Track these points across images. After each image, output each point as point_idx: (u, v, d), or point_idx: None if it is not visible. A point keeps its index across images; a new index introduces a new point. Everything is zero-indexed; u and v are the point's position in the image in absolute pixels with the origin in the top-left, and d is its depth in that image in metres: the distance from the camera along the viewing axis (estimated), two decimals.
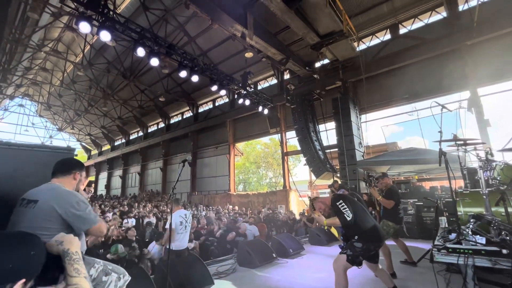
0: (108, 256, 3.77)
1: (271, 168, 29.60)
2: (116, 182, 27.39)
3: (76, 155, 2.73)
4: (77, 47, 16.14)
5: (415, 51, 9.26)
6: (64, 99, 21.00)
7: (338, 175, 9.94)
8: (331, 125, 10.93)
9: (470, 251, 2.21)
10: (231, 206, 12.82)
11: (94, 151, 32.44)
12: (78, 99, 21.36)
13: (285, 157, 13.57)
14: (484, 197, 2.61)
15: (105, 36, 6.27)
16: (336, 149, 10.20)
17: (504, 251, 2.11)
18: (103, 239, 4.43)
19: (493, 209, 2.62)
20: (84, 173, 2.07)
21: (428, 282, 3.40)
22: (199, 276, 3.35)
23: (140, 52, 6.99)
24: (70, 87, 18.28)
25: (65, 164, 1.95)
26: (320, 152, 10.32)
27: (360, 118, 10.58)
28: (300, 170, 26.50)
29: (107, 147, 30.07)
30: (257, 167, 30.68)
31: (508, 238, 2.32)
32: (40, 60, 18.07)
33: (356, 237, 2.65)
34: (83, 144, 32.20)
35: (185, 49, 10.09)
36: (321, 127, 11.36)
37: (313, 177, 12.91)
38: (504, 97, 8.65)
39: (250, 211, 11.35)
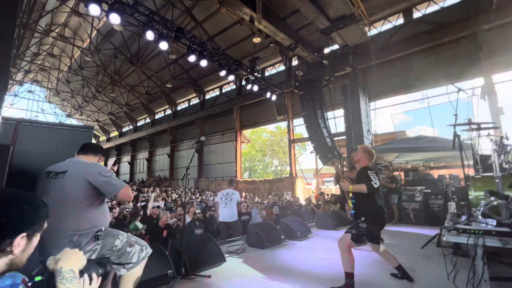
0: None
1: (277, 156, 29.70)
2: (125, 168, 27.95)
3: (94, 131, 2.87)
4: (83, 32, 16.11)
5: (428, 36, 8.98)
6: (72, 85, 21.18)
7: (345, 162, 9.95)
8: (340, 112, 10.84)
9: (481, 232, 2.24)
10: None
11: (103, 137, 32.95)
12: (86, 85, 21.52)
13: (292, 144, 13.59)
14: (497, 180, 2.61)
15: (115, 18, 6.24)
16: (344, 137, 10.16)
17: None
18: (120, 217, 4.60)
19: (506, 192, 2.63)
20: (103, 159, 2.28)
21: (435, 265, 3.47)
22: (212, 253, 3.49)
23: (149, 35, 6.96)
24: (78, 73, 18.40)
25: (94, 147, 2.19)
26: (328, 139, 10.29)
27: (369, 106, 10.45)
28: (305, 158, 26.58)
29: (115, 133, 30.49)
30: (263, 155, 30.81)
31: None
32: (47, 46, 18.13)
33: (363, 218, 2.76)
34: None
35: (193, 33, 9.98)
36: (329, 114, 11.27)
37: (319, 165, 12.95)
38: None
39: (258, 198, 11.52)
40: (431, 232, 5.10)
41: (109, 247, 1.90)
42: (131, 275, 1.98)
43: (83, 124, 29.97)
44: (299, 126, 13.76)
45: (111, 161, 30.44)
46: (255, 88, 10.68)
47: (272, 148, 29.86)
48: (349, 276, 2.72)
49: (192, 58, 7.99)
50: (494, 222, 2.44)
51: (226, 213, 5.16)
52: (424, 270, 3.46)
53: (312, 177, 18.21)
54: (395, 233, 6.05)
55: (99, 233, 1.89)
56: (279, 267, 3.63)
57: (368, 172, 2.82)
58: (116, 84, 18.71)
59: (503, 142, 2.88)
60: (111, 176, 1.90)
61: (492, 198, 2.41)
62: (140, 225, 4.14)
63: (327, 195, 9.55)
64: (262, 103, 14.25)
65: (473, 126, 3.03)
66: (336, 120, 11.14)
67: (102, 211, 1.97)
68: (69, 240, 1.76)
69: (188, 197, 11.15)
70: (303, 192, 12.77)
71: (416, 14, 9.82)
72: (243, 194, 12.36)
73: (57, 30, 15.67)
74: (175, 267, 3.01)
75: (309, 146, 10.86)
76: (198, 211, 5.36)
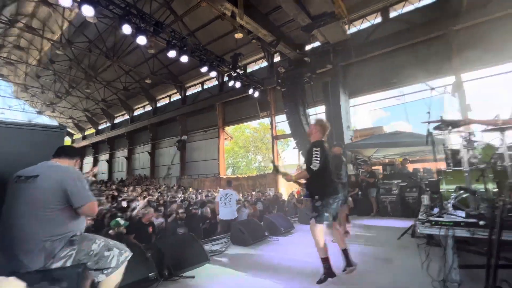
0: (111, 232, 3.84)
1: (260, 153, 29.82)
2: (102, 167, 26.84)
3: (67, 133, 2.72)
4: (54, 23, 15.11)
5: (404, 36, 9.33)
6: (42, 80, 19.91)
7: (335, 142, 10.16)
8: (321, 108, 11.04)
9: (451, 223, 2.39)
10: (221, 189, 12.94)
11: (78, 135, 31.38)
12: (58, 80, 20.28)
13: (275, 141, 13.68)
14: (466, 174, 2.78)
15: (88, 10, 5.91)
16: None
17: (481, 223, 2.30)
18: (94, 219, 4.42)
19: (473, 185, 2.81)
20: (79, 162, 2.20)
21: (410, 255, 3.65)
22: (195, 253, 3.45)
23: (126, 29, 6.67)
24: (49, 67, 17.30)
25: (69, 150, 2.12)
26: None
27: (349, 102, 10.73)
28: (288, 154, 26.88)
29: (91, 131, 29.14)
30: (246, 152, 30.81)
31: (485, 212, 2.52)
32: (13, 38, 16.85)
33: (316, 197, 2.84)
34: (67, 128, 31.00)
35: (173, 28, 9.69)
36: (311, 110, 11.45)
37: (301, 161, 13.16)
38: (485, 83, 8.97)
39: (242, 194, 11.52)
40: (407, 223, 5.35)
41: (85, 252, 1.82)
42: (110, 280, 1.91)
43: (57, 121, 28.38)
44: (282, 123, 13.87)
45: (88, 159, 29.16)
46: (238, 84, 10.61)
47: (255, 144, 29.93)
48: (324, 261, 2.79)
49: (172, 54, 7.78)
50: (463, 214, 2.61)
51: (226, 212, 5.52)
52: (400, 260, 3.65)
53: (295, 172, 18.48)
54: (374, 225, 6.31)
55: (74, 238, 1.81)
56: (262, 264, 3.66)
57: (314, 150, 2.81)
58: (91, 79, 17.82)
59: (471, 138, 3.07)
60: (84, 186, 1.84)
61: (462, 192, 2.57)
62: (122, 221, 4.02)
63: None
64: (245, 100, 14.19)
65: (446, 122, 3.19)
66: (317, 117, 11.34)
67: (77, 215, 1.88)
68: (41, 246, 1.67)
69: (170, 195, 10.94)
70: (286, 187, 12.95)
71: (393, 14, 10.15)
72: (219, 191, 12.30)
73: (23, 21, 14.59)
74: (158, 269, 2.94)
75: (292, 142, 11.02)
76: (181, 210, 5.26)
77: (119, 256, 1.94)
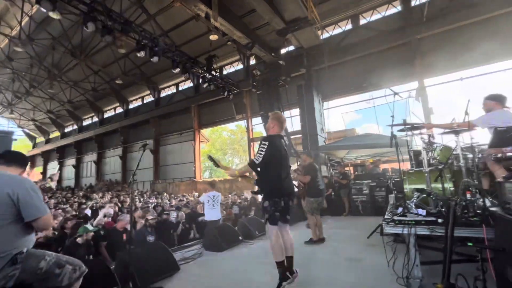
0: (79, 240, 3.58)
1: (238, 155, 29.69)
2: (69, 172, 25.14)
3: (15, 139, 2.47)
4: (12, 18, 13.96)
5: (372, 42, 9.81)
6: None
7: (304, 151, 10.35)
8: (296, 111, 11.23)
9: (413, 222, 2.50)
10: (197, 194, 12.65)
11: (40, 139, 29.13)
12: (17, 79, 18.69)
13: (251, 143, 13.68)
14: (426, 174, 2.94)
15: (47, 6, 5.49)
16: (300, 135, 10.55)
17: (440, 220, 2.43)
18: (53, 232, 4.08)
19: (433, 185, 2.98)
20: (28, 169, 2.01)
21: (378, 253, 3.78)
22: (164, 263, 3.29)
23: (91, 27, 6.29)
24: (6, 64, 15.90)
25: (19, 157, 1.92)
26: (285, 138, 10.58)
27: (322, 105, 11.03)
28: None
29: (56, 134, 27.20)
30: (224, 154, 30.51)
31: (443, 209, 2.67)
32: None
33: (262, 196, 2.69)
34: (26, 130, 28.66)
35: (144, 27, 9.34)
36: (286, 113, 11.60)
37: None
38: (446, 88, 9.68)
39: None
40: (377, 222, 5.56)
41: (31, 271, 1.64)
42: None
43: (15, 123, 26.12)
44: (259, 125, 13.92)
45: (52, 164, 27.13)
46: (212, 87, 10.47)
47: (233, 146, 29.76)
48: (279, 265, 2.62)
49: (142, 54, 7.47)
50: (424, 212, 2.75)
51: (213, 213, 5.63)
52: (369, 259, 3.76)
53: None
54: (346, 225, 6.50)
55: (18, 256, 1.62)
56: (235, 270, 3.59)
57: (262, 143, 2.63)
58: (55, 78, 16.65)
59: (431, 141, 3.25)
60: (38, 198, 1.68)
61: (418, 194, 2.70)
62: (90, 227, 3.78)
63: None
64: (221, 102, 14.05)
65: (408, 126, 3.36)
66: (292, 119, 11.52)
67: (23, 231, 1.69)
68: None
69: (143, 201, 10.47)
70: None
71: (363, 21, 10.64)
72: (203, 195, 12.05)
73: None
74: (122, 282, 2.76)
75: None
76: (150, 216, 5.03)
77: (72, 273, 1.78)
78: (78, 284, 1.82)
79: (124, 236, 4.43)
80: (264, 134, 11.29)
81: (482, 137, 3.09)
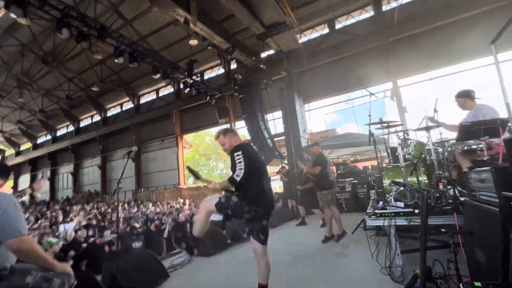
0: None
1: (221, 159, 29.49)
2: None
3: None
4: None
5: (348, 46, 10.22)
6: None
7: (286, 161, 10.53)
8: (278, 114, 11.41)
9: (392, 214, 2.66)
10: (182, 200, 12.45)
11: (10, 151, 27.34)
12: None
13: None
14: (402, 169, 3.14)
15: (17, 12, 5.26)
16: (283, 137, 10.73)
17: (416, 211, 2.61)
18: None
19: (408, 178, 3.18)
20: (6, 181, 1.91)
21: (363, 247, 3.95)
22: (152, 271, 3.25)
23: (65, 33, 6.09)
24: None
25: (3, 169, 1.84)
26: (268, 140, 10.73)
27: (303, 107, 11.29)
28: None
29: (27, 145, 25.66)
30: (207, 159, 30.21)
31: (419, 201, 2.87)
32: None
33: (236, 193, 2.35)
34: None
35: (121, 33, 9.14)
36: (269, 116, 11.76)
37: None
38: (418, 87, 10.26)
39: None
40: (360, 218, 5.79)
41: (17, 287, 1.58)
42: None
43: None
44: (242, 129, 13.97)
45: (24, 178, 25.53)
46: (194, 91, 10.41)
47: (217, 151, 29.51)
48: (194, 240, 2.52)
49: (120, 60, 7.31)
50: (402, 204, 2.93)
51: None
52: (355, 253, 3.92)
53: None
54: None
55: (2, 273, 1.56)
56: (224, 274, 3.60)
57: (235, 154, 2.30)
58: (25, 87, 15.76)
59: (405, 137, 3.47)
60: (15, 215, 1.56)
61: (395, 185, 2.88)
62: (54, 240, 3.65)
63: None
64: (203, 107, 13.97)
65: (384, 124, 3.57)
66: (275, 122, 11.70)
67: (5, 247, 1.62)
68: None
69: (126, 211, 10.14)
70: None
71: (338, 25, 11.07)
72: (187, 202, 11.89)
73: None
74: None
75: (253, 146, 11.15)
76: (137, 225, 4.92)
77: (61, 286, 1.73)
78: None
79: (107, 248, 4.31)
80: (248, 137, 11.26)
81: (450, 133, 3.36)
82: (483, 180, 1.73)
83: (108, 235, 4.67)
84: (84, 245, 4.35)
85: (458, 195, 2.63)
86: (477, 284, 1.21)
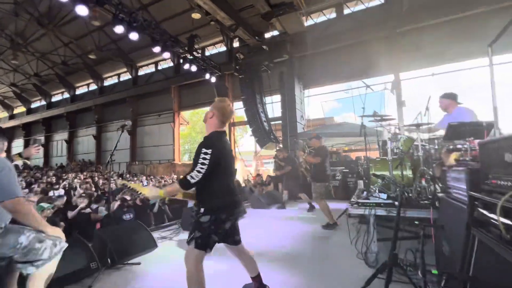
0: None
1: None
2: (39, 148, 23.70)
3: None
4: None
5: (354, 33, 9.98)
6: None
7: (281, 145, 10.64)
8: (277, 97, 11.35)
9: (374, 204, 2.80)
10: (175, 176, 12.62)
11: (3, 114, 26.94)
12: None
13: (232, 128, 13.70)
14: (389, 162, 3.24)
15: None
16: (280, 121, 10.76)
17: (396, 203, 2.74)
18: None
19: (394, 172, 3.30)
20: (6, 143, 1.92)
21: (344, 232, 4.15)
22: (142, 240, 3.40)
23: None
24: None
25: None
26: (265, 123, 10.75)
27: (303, 93, 11.23)
28: (246, 141, 27.17)
29: (21, 109, 25.28)
30: None
31: (401, 194, 3.00)
32: None
33: (202, 210, 1.95)
34: None
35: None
36: (267, 99, 11.69)
37: (258, 148, 13.51)
38: (419, 82, 10.18)
39: None
40: (347, 205, 6.00)
41: (11, 246, 1.68)
42: (42, 272, 1.81)
43: None
44: (240, 109, 13.91)
45: (18, 142, 25.40)
46: (194, 68, 10.23)
47: None
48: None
49: (119, 29, 7.09)
50: (385, 196, 3.06)
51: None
52: (335, 238, 4.13)
53: (251, 160, 18.90)
54: (317, 208, 6.92)
55: None
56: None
57: (203, 151, 1.87)
58: (19, 49, 15.26)
59: (396, 132, 3.55)
60: (7, 179, 1.62)
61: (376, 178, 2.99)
62: (45, 205, 3.73)
63: (261, 175, 10.13)
64: (202, 84, 13.76)
65: (377, 118, 3.63)
66: (273, 105, 11.65)
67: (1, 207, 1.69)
68: None
69: (118, 183, 10.28)
70: (242, 174, 13.20)
71: (347, 11, 10.75)
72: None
73: None
74: (99, 258, 2.84)
75: (249, 128, 11.19)
76: (128, 197, 5.05)
77: (52, 247, 1.83)
78: (58, 258, 1.88)
79: (98, 226, 4.38)
80: (245, 119, 11.23)
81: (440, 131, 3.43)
82: (458, 179, 1.82)
83: (102, 210, 4.75)
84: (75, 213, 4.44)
85: (438, 191, 2.75)
86: (434, 272, 1.33)
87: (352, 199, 3.32)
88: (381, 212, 2.77)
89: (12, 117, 25.81)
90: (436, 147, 3.24)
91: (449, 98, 3.14)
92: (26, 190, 6.98)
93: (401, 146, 3.43)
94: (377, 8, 10.04)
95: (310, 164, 4.82)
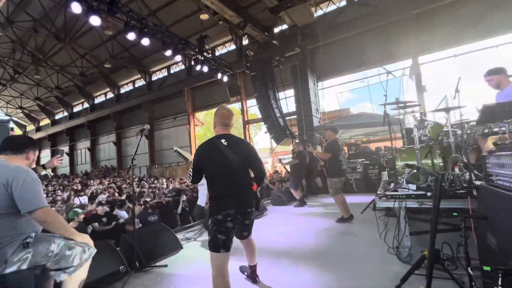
0: (71, 224, 3.68)
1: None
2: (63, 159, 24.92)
3: (12, 129, 2.45)
4: None
5: (367, 19, 9.58)
6: None
7: (297, 141, 10.48)
8: (290, 92, 11.17)
9: (404, 196, 2.64)
10: None
11: (30, 127, 28.53)
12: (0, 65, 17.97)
13: (246, 126, 13.68)
14: (417, 151, 3.05)
15: None
16: (295, 116, 10.58)
17: (429, 194, 2.57)
18: None
19: (423, 161, 3.10)
20: (37, 152, 1.95)
21: (371, 226, 3.99)
22: (167, 242, 3.43)
23: (75, 8, 6.01)
24: None
25: (18, 142, 1.85)
26: (280, 119, 10.62)
27: (317, 85, 10.97)
28: (261, 138, 27.11)
29: (46, 121, 26.64)
30: None
31: (432, 184, 2.81)
32: None
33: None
34: (15, 119, 27.81)
35: (130, 7, 8.93)
36: (281, 94, 11.54)
37: (274, 144, 13.40)
38: (439, 65, 9.67)
39: None
40: (370, 198, 5.78)
41: (43, 254, 1.72)
42: (74, 278, 1.85)
43: (2, 111, 25.35)
44: (253, 107, 13.85)
45: (45, 153, 26.83)
46: (205, 69, 10.27)
47: None
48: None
49: (131, 36, 7.22)
50: (414, 187, 2.89)
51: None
52: (362, 232, 3.97)
53: (267, 156, 18.83)
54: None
55: (27, 240, 1.69)
56: (235, 247, 3.75)
57: (197, 156, 2.16)
58: (40, 63, 16.03)
59: (422, 118, 3.34)
60: (34, 189, 1.64)
61: (409, 170, 2.82)
62: (79, 210, 3.89)
63: (280, 172, 10.02)
64: (215, 84, 13.83)
65: (400, 105, 3.43)
66: (287, 100, 11.49)
67: (29, 218, 1.73)
68: None
69: (140, 186, 10.58)
70: None
71: None
72: None
73: None
74: (128, 262, 2.89)
75: (264, 126, 11.11)
76: (148, 199, 5.15)
77: (82, 253, 1.86)
78: (88, 263, 1.91)
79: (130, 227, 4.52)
80: (259, 116, 11.17)
81: (471, 114, 3.19)
82: (503, 165, 1.66)
83: (125, 214, 4.89)
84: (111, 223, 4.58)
85: (474, 179, 2.55)
86: (486, 268, 1.20)
87: (379, 192, 3.16)
88: (412, 204, 2.61)
89: (38, 129, 27.28)
90: (468, 131, 3.01)
91: (501, 73, 2.82)
92: (51, 198, 7.32)
93: (428, 133, 3.23)
94: None
95: (324, 159, 4.68)
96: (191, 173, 2.22)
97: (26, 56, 15.90)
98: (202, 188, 5.10)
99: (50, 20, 12.88)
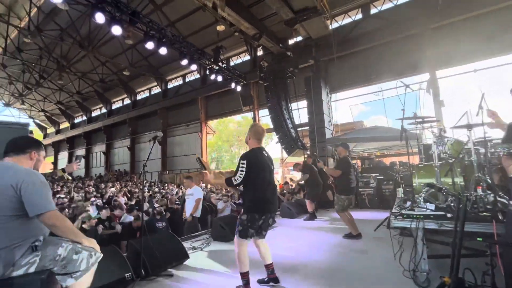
0: (84, 226, 3.73)
1: (244, 147, 29.76)
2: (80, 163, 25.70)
3: (31, 132, 2.52)
4: (21, 9, 14.06)
5: (383, 32, 9.53)
6: (9, 69, 18.54)
7: (308, 152, 10.34)
8: (303, 103, 11.13)
9: (421, 216, 2.50)
10: (203, 185, 12.81)
11: (51, 129, 29.74)
12: (27, 71, 18.97)
13: None
14: (436, 169, 2.91)
15: None
16: (307, 127, 10.49)
17: (449, 215, 2.42)
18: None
19: (442, 179, 2.95)
20: (42, 152, 1.93)
21: (385, 246, 3.80)
22: (173, 251, 3.39)
23: (99, 18, 6.30)
24: (16, 56, 16.10)
25: (19, 142, 1.82)
26: (292, 130, 10.55)
27: (330, 97, 10.89)
28: (271, 148, 27.02)
29: (65, 124, 27.72)
30: (230, 146, 30.66)
31: (452, 204, 2.65)
32: None
33: (242, 210, 2.64)
34: (37, 121, 29.23)
35: (151, 18, 9.29)
36: (293, 105, 11.52)
37: (284, 155, 13.28)
38: (457, 80, 9.40)
39: (225, 189, 11.47)
40: (383, 215, 5.55)
41: (50, 258, 1.71)
42: (80, 283, 1.83)
43: (26, 114, 26.66)
44: (266, 117, 13.87)
45: (63, 154, 27.78)
46: (219, 78, 10.43)
47: (239, 138, 29.80)
48: (243, 276, 2.59)
49: (150, 45, 7.47)
50: (433, 207, 2.74)
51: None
52: (376, 251, 3.78)
53: (278, 167, 18.65)
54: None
55: (36, 244, 1.69)
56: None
57: (241, 162, 2.56)
58: (64, 70, 16.82)
59: (442, 134, 3.20)
60: (42, 192, 1.63)
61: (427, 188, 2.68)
62: (92, 215, 3.94)
63: (291, 184, 9.86)
64: (228, 93, 14.01)
65: (418, 120, 3.32)
66: (299, 111, 11.43)
67: (37, 221, 1.72)
68: None
69: (151, 192, 10.68)
70: None
71: (374, 10, 10.34)
72: (209, 186, 12.22)
73: None
74: (134, 269, 2.86)
75: (275, 136, 11.06)
76: (157, 205, 5.16)
77: (89, 258, 1.84)
78: (94, 268, 1.89)
79: (138, 235, 4.53)
80: (271, 126, 11.20)
81: (495, 132, 3.02)
82: None
83: (131, 219, 4.92)
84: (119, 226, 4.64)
85: (499, 201, 2.39)
86: None
87: (394, 210, 3.02)
88: (431, 225, 2.46)
89: (58, 131, 28.38)
90: (492, 150, 2.85)
91: None
92: (59, 201, 7.44)
93: (448, 150, 3.08)
94: (408, 4, 9.51)
95: (334, 176, 4.63)
96: (240, 176, 2.51)
97: (51, 62, 16.75)
98: (190, 200, 5.01)
99: (76, 29, 13.57)
